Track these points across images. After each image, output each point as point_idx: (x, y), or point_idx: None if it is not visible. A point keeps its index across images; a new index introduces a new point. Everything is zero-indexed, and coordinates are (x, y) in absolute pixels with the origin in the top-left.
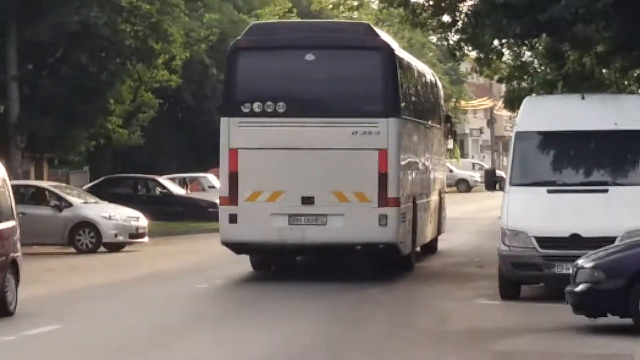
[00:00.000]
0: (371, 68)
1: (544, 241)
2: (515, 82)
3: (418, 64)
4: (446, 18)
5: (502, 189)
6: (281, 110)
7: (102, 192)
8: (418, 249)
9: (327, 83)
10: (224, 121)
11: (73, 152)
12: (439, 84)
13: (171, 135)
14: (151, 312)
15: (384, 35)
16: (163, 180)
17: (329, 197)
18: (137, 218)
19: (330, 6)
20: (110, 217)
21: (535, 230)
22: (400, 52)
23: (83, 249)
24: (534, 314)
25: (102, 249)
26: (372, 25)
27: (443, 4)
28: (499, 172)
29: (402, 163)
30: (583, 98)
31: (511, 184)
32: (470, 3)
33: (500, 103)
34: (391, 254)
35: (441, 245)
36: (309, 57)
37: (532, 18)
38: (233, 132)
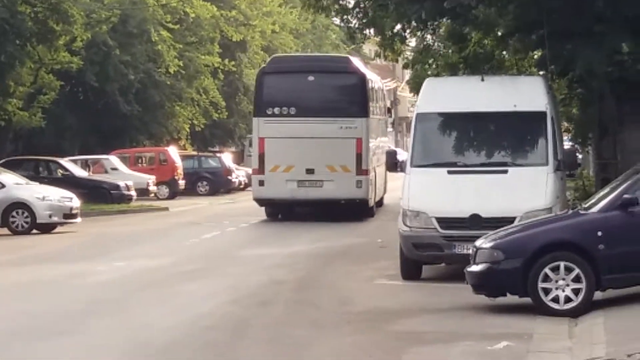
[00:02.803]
0: (351, 86)
1: (444, 222)
2: (419, 65)
3: (376, 79)
4: (347, 2)
5: (403, 170)
6: (292, 113)
7: None
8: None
9: (323, 95)
10: (255, 120)
11: None
12: (383, 86)
13: (74, 117)
14: (51, 296)
15: (359, 63)
16: (65, 162)
17: (324, 169)
18: (70, 199)
19: None
20: (44, 198)
21: (435, 210)
22: (368, 74)
23: (18, 230)
24: (435, 294)
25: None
26: (351, 57)
27: None
28: (401, 151)
29: (369, 146)
30: (483, 80)
31: (412, 165)
32: None
33: (403, 84)
34: (363, 206)
35: (343, 225)
36: (310, 78)
37: (435, 3)
38: (261, 127)
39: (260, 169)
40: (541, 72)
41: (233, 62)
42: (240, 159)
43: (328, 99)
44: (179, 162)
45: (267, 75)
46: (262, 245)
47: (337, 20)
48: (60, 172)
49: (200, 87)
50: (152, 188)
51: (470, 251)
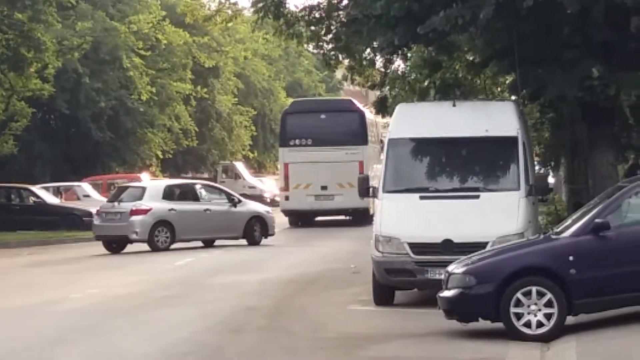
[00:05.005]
0: (354, 121)
1: (416, 247)
2: (386, 88)
3: (370, 115)
4: (320, 28)
5: (375, 195)
6: (309, 143)
7: None
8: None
9: (332, 129)
10: (280, 149)
11: None
12: (375, 120)
13: (45, 144)
14: (24, 324)
15: (359, 104)
16: (37, 189)
17: (335, 186)
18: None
19: (201, 21)
20: (268, 212)
21: (408, 236)
22: (366, 112)
23: (256, 242)
24: (407, 319)
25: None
26: (353, 100)
27: (317, 15)
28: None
29: (369, 167)
30: (454, 105)
31: (384, 191)
32: (344, 12)
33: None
34: (365, 213)
35: (318, 251)
36: (322, 116)
37: (408, 28)
38: (285, 154)
39: (286, 187)
40: (513, 97)
41: (205, 89)
42: None
43: (336, 132)
44: None
45: (289, 115)
46: (235, 271)
47: (309, 47)
48: (32, 199)
49: (172, 114)
50: None
51: (442, 276)
